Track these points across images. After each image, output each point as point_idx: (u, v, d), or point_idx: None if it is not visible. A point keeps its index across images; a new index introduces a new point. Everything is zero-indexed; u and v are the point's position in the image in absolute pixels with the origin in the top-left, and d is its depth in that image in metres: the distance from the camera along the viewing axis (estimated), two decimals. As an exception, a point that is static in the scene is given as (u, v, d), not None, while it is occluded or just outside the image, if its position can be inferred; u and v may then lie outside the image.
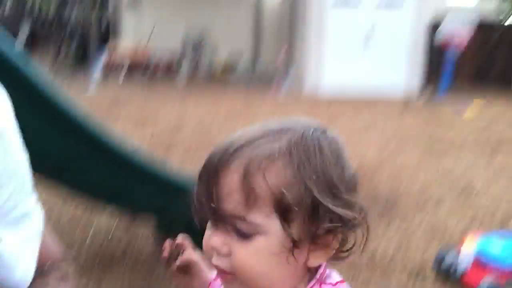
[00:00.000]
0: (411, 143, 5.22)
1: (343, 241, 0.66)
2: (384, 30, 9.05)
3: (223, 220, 0.65)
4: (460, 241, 2.34)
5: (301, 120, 0.68)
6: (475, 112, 7.32)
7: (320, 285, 0.68)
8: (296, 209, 0.61)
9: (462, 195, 3.54)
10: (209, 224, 0.69)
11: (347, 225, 0.64)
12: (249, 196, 0.62)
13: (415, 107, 7.94)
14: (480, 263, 2.18)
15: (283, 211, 0.62)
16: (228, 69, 11.10)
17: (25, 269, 0.68)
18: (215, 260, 0.67)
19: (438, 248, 2.53)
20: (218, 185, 0.63)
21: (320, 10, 8.99)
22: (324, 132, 0.67)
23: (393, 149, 4.93)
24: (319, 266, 0.69)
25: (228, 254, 0.65)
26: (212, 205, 0.64)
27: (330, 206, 0.62)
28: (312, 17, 9.00)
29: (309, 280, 0.69)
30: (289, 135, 0.64)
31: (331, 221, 0.62)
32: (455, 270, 2.22)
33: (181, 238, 0.84)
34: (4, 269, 0.63)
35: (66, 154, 1.68)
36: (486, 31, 10.29)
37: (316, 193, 0.61)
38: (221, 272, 0.68)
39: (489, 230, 2.63)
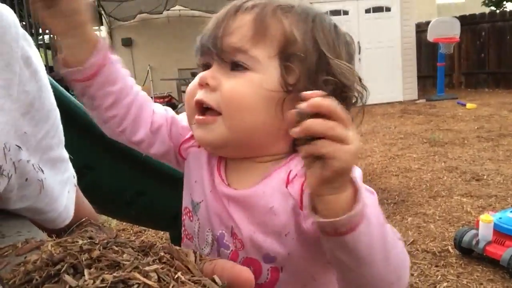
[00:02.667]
0: (416, 140, 5.26)
1: None
2: (375, 34, 9.18)
3: (222, 54, 0.65)
4: (476, 221, 2.37)
5: None
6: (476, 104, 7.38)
7: None
8: (302, 55, 0.63)
9: (472, 182, 3.57)
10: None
11: (342, 90, 0.65)
12: (258, 31, 0.63)
13: (416, 107, 8.00)
14: (501, 234, 2.21)
15: (287, 56, 0.64)
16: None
17: (67, 204, 0.69)
18: (200, 95, 0.66)
19: (456, 230, 2.55)
20: (229, 22, 0.65)
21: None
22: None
23: (400, 146, 4.97)
24: None
25: (216, 88, 0.65)
26: (219, 37, 0.64)
27: (332, 59, 0.65)
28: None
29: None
30: (310, 7, 0.69)
31: (326, 84, 0.64)
32: (477, 245, 2.24)
33: None
34: (47, 197, 0.65)
35: (135, 187, 1.73)
36: (476, 24, 10.41)
37: (322, 47, 0.65)
38: (201, 111, 0.66)
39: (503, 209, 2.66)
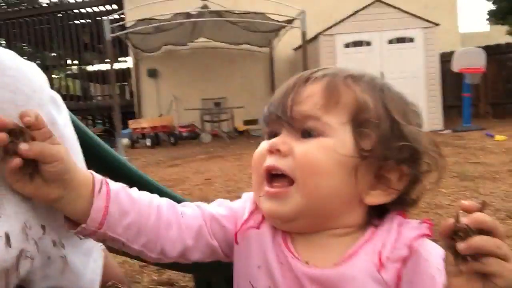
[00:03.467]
0: (445, 173, 5.11)
1: (408, 185, 0.67)
2: (398, 65, 9.13)
3: (293, 121, 0.64)
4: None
5: None
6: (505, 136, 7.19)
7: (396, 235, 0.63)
8: (375, 121, 0.63)
9: (507, 221, 3.41)
10: (263, 143, 0.68)
11: (416, 157, 0.65)
12: (330, 99, 0.63)
13: (443, 138, 7.85)
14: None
15: (360, 123, 0.63)
16: (249, 123, 11.28)
17: (92, 278, 0.67)
18: (271, 161, 0.64)
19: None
20: (299, 90, 0.65)
21: (332, 52, 9.17)
22: None
23: (429, 181, 4.83)
24: (383, 216, 0.66)
25: (288, 153, 0.62)
26: (288, 106, 0.64)
27: (405, 125, 0.64)
28: (324, 60, 9.17)
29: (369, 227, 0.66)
30: (376, 76, 0.70)
31: (401, 150, 0.64)
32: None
33: (32, 115, 0.56)
34: (71, 274, 0.62)
35: None
36: (502, 54, 10.28)
37: (394, 114, 0.65)
38: (269, 180, 0.63)
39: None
